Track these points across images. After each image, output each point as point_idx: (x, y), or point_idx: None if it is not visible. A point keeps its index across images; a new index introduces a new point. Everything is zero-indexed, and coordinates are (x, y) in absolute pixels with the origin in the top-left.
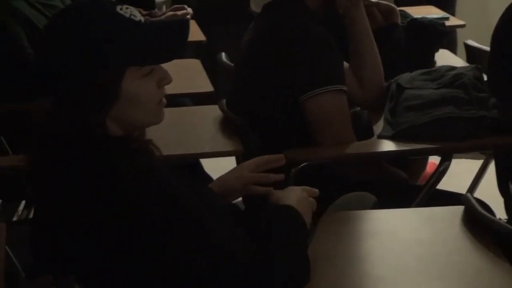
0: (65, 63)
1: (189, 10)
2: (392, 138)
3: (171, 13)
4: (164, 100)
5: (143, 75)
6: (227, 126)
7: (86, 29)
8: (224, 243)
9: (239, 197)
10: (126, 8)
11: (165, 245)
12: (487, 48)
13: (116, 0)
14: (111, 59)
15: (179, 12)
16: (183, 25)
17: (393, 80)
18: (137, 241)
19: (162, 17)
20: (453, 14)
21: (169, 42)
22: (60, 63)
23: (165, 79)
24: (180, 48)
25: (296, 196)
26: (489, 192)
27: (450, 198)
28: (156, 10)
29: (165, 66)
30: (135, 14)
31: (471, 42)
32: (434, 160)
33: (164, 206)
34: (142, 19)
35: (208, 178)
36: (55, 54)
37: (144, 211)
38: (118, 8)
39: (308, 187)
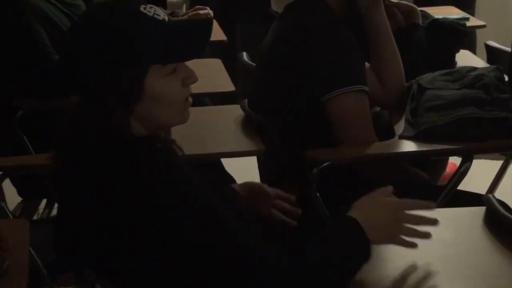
0: (88, 62)
1: (210, 11)
2: (413, 138)
3: (193, 13)
4: (190, 99)
5: (167, 73)
6: (248, 125)
7: (110, 29)
8: (248, 243)
9: None
10: (150, 7)
11: (188, 244)
12: (508, 49)
13: None
14: (134, 57)
15: (201, 12)
16: (206, 23)
17: (414, 81)
18: (160, 240)
19: (185, 17)
20: (472, 14)
21: (191, 39)
22: (83, 62)
23: (191, 77)
24: (202, 46)
25: (376, 210)
26: (509, 192)
27: (471, 199)
28: (178, 10)
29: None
30: (159, 13)
31: (492, 43)
32: (453, 161)
33: (186, 205)
34: (166, 18)
35: (229, 177)
36: (79, 53)
37: (167, 210)
38: (142, 7)
39: (409, 201)
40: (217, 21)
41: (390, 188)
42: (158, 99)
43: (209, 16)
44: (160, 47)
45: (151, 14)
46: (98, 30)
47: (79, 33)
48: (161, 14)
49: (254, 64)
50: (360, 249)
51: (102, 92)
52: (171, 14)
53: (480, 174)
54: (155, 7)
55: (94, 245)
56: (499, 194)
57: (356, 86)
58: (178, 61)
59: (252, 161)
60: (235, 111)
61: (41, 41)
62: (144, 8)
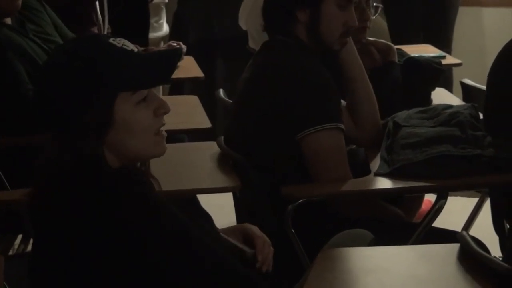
0: (58, 94)
1: (184, 46)
2: (388, 175)
3: (166, 49)
4: (164, 132)
5: (137, 101)
6: (224, 162)
7: (78, 59)
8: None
9: None
10: (120, 40)
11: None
12: (483, 87)
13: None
14: (102, 84)
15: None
16: (173, 52)
17: (389, 118)
18: (137, 273)
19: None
20: (449, 53)
21: (158, 66)
22: (53, 95)
23: (162, 107)
24: (168, 72)
25: None
26: (484, 230)
27: (445, 236)
28: (153, 47)
29: None
30: (127, 44)
31: (467, 81)
32: (429, 198)
33: (164, 237)
34: (135, 49)
35: (205, 214)
36: (49, 87)
37: (144, 243)
38: (111, 39)
39: None
40: (196, 58)
41: None
42: (129, 127)
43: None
44: (127, 74)
45: (119, 45)
46: (66, 61)
47: (49, 67)
48: (130, 45)
49: (231, 101)
50: None
51: (74, 123)
52: (145, 51)
53: (456, 212)
54: (124, 40)
55: (70, 281)
56: (475, 231)
57: (332, 124)
58: (145, 87)
59: (228, 197)
60: (211, 148)
61: (19, 77)
62: (113, 40)
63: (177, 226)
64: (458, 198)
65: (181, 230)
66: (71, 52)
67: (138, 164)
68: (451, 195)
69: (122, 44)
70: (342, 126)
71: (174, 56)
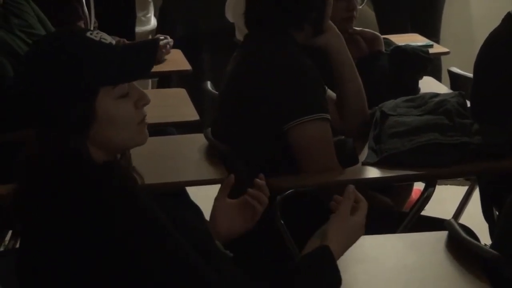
0: (39, 90)
1: (170, 40)
2: (376, 165)
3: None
4: (146, 120)
5: (119, 95)
6: (212, 154)
7: (58, 55)
8: (204, 275)
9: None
10: (97, 33)
11: (151, 276)
12: (471, 75)
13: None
14: (83, 80)
15: (161, 42)
16: (151, 43)
17: (377, 107)
18: (123, 271)
19: None
20: (437, 41)
21: (137, 59)
22: (34, 91)
23: (142, 99)
24: (148, 65)
25: (350, 235)
26: (474, 218)
27: (434, 224)
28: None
29: (151, 95)
30: (105, 37)
31: (455, 69)
32: (419, 187)
33: (147, 234)
34: (113, 41)
35: (194, 206)
36: (30, 83)
37: (128, 239)
38: (88, 33)
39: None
40: (184, 51)
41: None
42: (112, 121)
43: (168, 45)
44: (108, 68)
45: (97, 39)
46: (45, 57)
47: (31, 62)
48: (108, 38)
49: (218, 93)
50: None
51: (56, 118)
52: None
53: (446, 200)
54: (102, 32)
55: (56, 276)
56: (465, 219)
57: (318, 115)
58: (126, 81)
59: (217, 189)
60: (199, 140)
61: (4, 73)
62: (91, 34)
63: (155, 222)
64: (448, 186)
65: (157, 226)
66: (53, 48)
67: (119, 156)
68: (441, 184)
69: (100, 38)
70: (328, 116)
71: (152, 48)
